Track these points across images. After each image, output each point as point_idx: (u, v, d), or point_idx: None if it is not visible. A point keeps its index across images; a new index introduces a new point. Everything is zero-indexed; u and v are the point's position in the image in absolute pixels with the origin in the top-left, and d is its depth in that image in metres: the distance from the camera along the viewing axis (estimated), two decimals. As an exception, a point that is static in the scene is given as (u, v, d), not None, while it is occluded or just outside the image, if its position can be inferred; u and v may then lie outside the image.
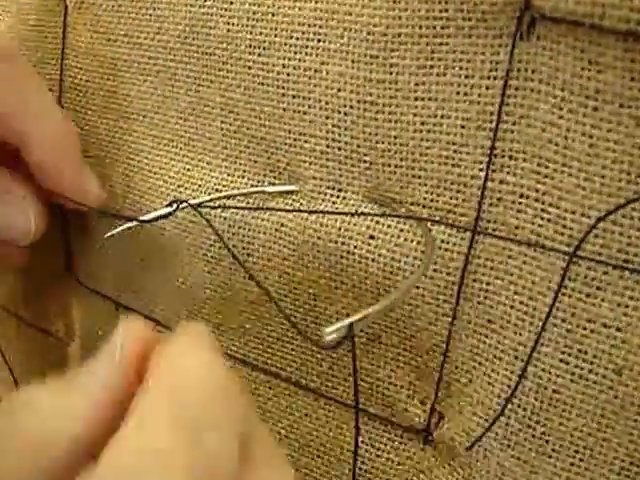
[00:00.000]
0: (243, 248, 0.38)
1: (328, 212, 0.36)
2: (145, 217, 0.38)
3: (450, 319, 0.34)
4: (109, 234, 0.39)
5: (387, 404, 0.38)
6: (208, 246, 0.40)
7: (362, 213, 0.35)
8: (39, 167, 0.39)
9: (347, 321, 0.27)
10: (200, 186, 0.40)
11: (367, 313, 0.28)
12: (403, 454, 0.38)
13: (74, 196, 0.41)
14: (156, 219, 0.38)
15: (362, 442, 0.39)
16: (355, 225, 0.35)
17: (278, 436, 0.41)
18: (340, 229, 0.35)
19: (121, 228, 0.39)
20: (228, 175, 0.39)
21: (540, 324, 0.32)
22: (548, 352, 0.32)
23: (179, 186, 0.40)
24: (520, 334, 0.33)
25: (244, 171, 0.39)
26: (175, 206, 0.37)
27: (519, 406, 0.33)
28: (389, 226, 0.35)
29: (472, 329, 0.34)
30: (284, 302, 0.38)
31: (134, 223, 0.38)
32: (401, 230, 0.34)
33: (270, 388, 0.41)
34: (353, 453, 0.39)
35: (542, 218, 0.31)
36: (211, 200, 0.38)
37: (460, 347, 0.35)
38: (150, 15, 0.39)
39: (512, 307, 0.33)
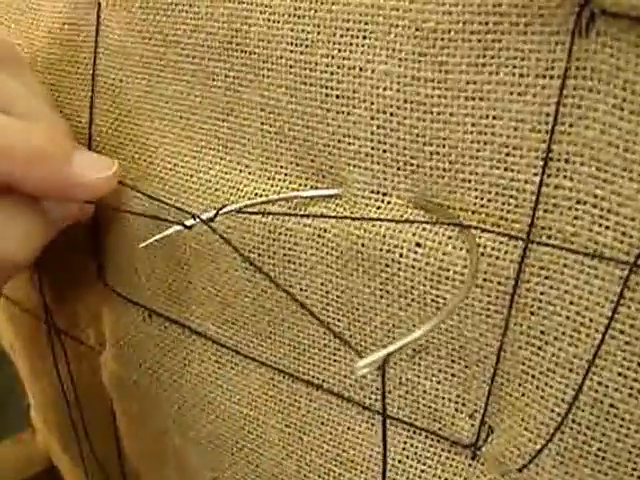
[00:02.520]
0: (284, 255, 0.38)
1: (370, 219, 0.35)
2: (188, 222, 0.37)
3: (502, 330, 0.33)
4: (156, 238, 0.38)
5: (434, 417, 0.37)
6: (247, 252, 0.39)
7: (406, 220, 0.34)
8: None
9: (383, 353, 0.26)
10: (239, 190, 0.39)
11: (405, 343, 0.27)
12: (450, 469, 0.37)
13: (76, 196, 0.40)
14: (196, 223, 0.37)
15: (407, 457, 0.38)
16: (401, 232, 0.34)
17: (320, 450, 0.41)
18: (385, 236, 0.34)
19: (168, 232, 0.38)
20: (268, 179, 0.38)
21: (597, 336, 0.31)
22: (605, 365, 0.31)
23: (216, 190, 0.40)
24: (576, 346, 0.32)
25: (285, 174, 0.38)
26: (215, 212, 0.36)
27: (574, 421, 0.32)
28: (436, 233, 0.34)
29: (525, 341, 0.33)
30: (327, 311, 0.38)
31: (179, 228, 0.37)
32: (449, 237, 0.33)
33: (311, 400, 0.40)
34: (382, 468, 0.38)
35: (600, 225, 0.30)
36: (251, 205, 0.37)
37: (512, 359, 0.34)
38: (187, 12, 0.39)
39: (567, 318, 0.32)
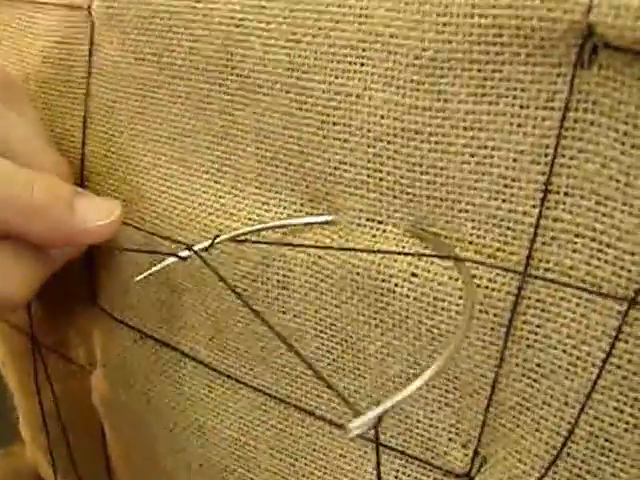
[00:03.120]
0: (278, 281, 0.37)
1: (363, 250, 0.34)
2: (182, 254, 0.36)
3: (497, 362, 0.32)
4: (150, 272, 0.38)
5: (427, 446, 0.36)
6: (241, 277, 0.38)
7: (400, 252, 0.33)
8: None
9: (376, 412, 0.25)
10: (232, 214, 0.38)
11: (398, 400, 0.26)
12: (442, 498, 0.36)
13: (78, 243, 0.40)
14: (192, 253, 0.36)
15: (400, 485, 0.37)
16: (396, 262, 0.33)
17: (311, 476, 0.40)
18: (380, 265, 0.34)
19: (162, 265, 0.37)
20: (263, 204, 0.38)
21: (593, 370, 0.30)
22: (601, 400, 0.30)
23: (210, 214, 0.39)
24: (572, 380, 0.31)
25: (280, 200, 0.37)
26: (210, 241, 0.35)
27: (569, 454, 0.32)
28: (432, 263, 0.33)
29: (520, 373, 0.32)
30: (321, 338, 0.37)
31: (173, 259, 0.37)
32: (445, 268, 0.32)
33: (303, 426, 0.39)
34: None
35: (599, 259, 0.29)
36: (246, 234, 0.36)
37: (507, 391, 0.33)
38: (182, 34, 0.38)
39: (564, 351, 0.31)
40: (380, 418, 0.25)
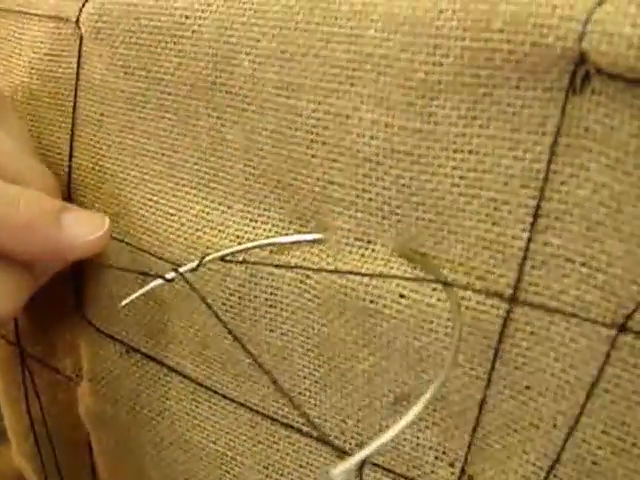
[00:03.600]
0: (265, 299, 0.36)
1: (351, 272, 0.34)
2: (168, 276, 0.36)
3: (484, 383, 0.32)
4: (136, 294, 0.37)
5: (414, 464, 0.36)
6: (228, 295, 0.37)
7: (386, 275, 0.33)
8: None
9: (357, 458, 0.25)
10: (220, 231, 0.38)
11: (381, 443, 0.26)
12: (429, 517, 0.36)
13: (68, 258, 0.39)
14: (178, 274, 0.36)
15: (387, 503, 0.37)
16: (384, 282, 0.33)
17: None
18: (369, 286, 0.33)
19: (145, 289, 0.37)
20: (251, 220, 0.37)
21: (581, 393, 0.30)
22: (589, 423, 0.30)
23: (197, 230, 0.38)
24: (559, 403, 0.30)
25: (268, 217, 0.37)
26: (197, 262, 0.35)
27: (556, 476, 0.31)
28: (421, 285, 0.32)
29: (508, 394, 0.32)
30: (308, 357, 0.36)
31: (159, 282, 0.36)
32: (434, 289, 0.32)
33: (290, 443, 0.39)
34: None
35: (588, 284, 0.29)
36: (233, 253, 0.36)
37: (494, 411, 0.32)
38: (171, 50, 0.37)
39: (552, 374, 0.30)
40: (364, 462, 0.25)
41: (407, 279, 0.32)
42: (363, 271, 0.33)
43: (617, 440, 0.29)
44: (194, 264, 0.36)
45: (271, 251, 0.36)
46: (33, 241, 0.36)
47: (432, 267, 0.32)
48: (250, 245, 0.36)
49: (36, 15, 0.44)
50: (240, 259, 0.37)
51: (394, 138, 0.31)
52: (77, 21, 0.41)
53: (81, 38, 0.41)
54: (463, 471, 0.34)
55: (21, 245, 0.36)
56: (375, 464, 0.36)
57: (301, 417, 0.37)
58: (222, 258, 0.36)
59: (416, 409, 0.27)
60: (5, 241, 0.35)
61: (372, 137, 0.32)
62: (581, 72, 0.27)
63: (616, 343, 0.28)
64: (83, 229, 0.38)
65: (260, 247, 0.36)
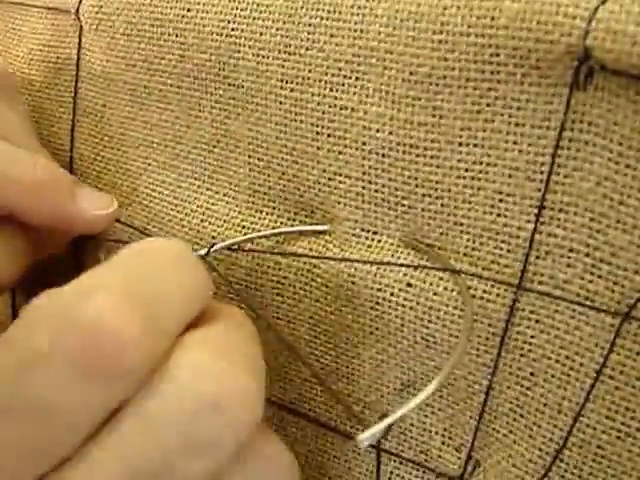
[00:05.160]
0: (272, 288, 0.37)
1: (359, 260, 0.35)
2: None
3: (490, 369, 0.33)
4: None
5: (421, 449, 0.37)
6: (235, 284, 0.38)
7: (393, 264, 0.34)
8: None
9: (382, 425, 0.26)
10: (225, 222, 0.39)
11: (405, 411, 0.27)
12: (435, 501, 0.37)
13: (75, 230, 0.40)
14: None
15: (394, 487, 0.38)
16: (392, 272, 0.34)
17: (306, 477, 0.40)
18: (376, 275, 0.34)
19: None
20: (256, 211, 0.38)
21: (586, 379, 0.31)
22: (594, 408, 0.31)
23: (202, 220, 0.39)
24: (564, 389, 0.32)
25: (273, 208, 0.38)
26: (207, 249, 0.36)
27: (562, 461, 0.33)
28: (427, 274, 0.34)
29: (514, 381, 0.33)
30: (314, 344, 0.37)
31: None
32: (440, 278, 0.33)
33: (297, 429, 0.40)
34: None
35: (592, 274, 0.30)
36: (242, 242, 0.37)
37: (500, 398, 0.34)
38: (173, 42, 0.38)
39: (557, 361, 0.32)
40: (388, 429, 0.26)
41: (418, 267, 0.33)
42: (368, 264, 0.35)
43: (621, 425, 0.31)
44: (204, 250, 0.36)
45: (277, 241, 0.37)
46: (45, 204, 0.37)
47: (438, 257, 0.33)
48: (257, 235, 0.37)
49: (36, 7, 0.44)
50: (246, 248, 0.38)
51: (400, 131, 0.33)
52: (77, 12, 0.42)
53: (81, 29, 0.42)
54: (470, 456, 0.35)
55: (33, 206, 0.37)
56: (382, 449, 0.38)
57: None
58: (231, 246, 0.37)
59: (437, 381, 0.29)
60: (18, 200, 0.36)
61: (378, 130, 0.33)
62: (585, 68, 0.28)
63: (620, 331, 0.30)
64: (93, 203, 0.39)
65: (266, 237, 0.37)
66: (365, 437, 0.26)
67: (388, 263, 0.34)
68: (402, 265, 0.34)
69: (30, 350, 0.26)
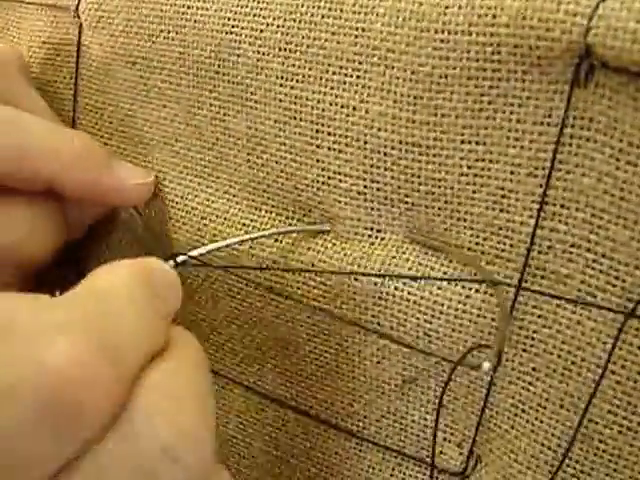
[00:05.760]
0: (271, 286, 0.38)
1: (357, 273, 0.35)
2: (178, 259, 0.37)
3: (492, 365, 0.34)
4: None
5: (422, 445, 0.37)
6: (234, 282, 0.39)
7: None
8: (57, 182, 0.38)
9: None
10: (225, 219, 0.39)
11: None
12: (437, 496, 0.38)
13: (114, 201, 0.40)
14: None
15: (396, 483, 0.38)
16: (397, 267, 0.35)
17: (306, 473, 0.41)
18: (380, 271, 0.35)
19: None
20: (255, 209, 0.39)
21: (588, 374, 0.32)
22: (595, 403, 0.32)
23: (202, 218, 0.40)
24: (567, 384, 0.32)
25: (272, 206, 0.38)
26: (206, 250, 0.36)
27: (562, 455, 0.33)
28: (432, 269, 0.34)
29: (516, 376, 0.34)
30: (314, 342, 0.38)
31: (170, 264, 0.37)
32: (445, 273, 0.34)
33: (298, 425, 0.41)
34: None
35: (594, 269, 0.31)
36: (241, 242, 0.37)
37: (502, 393, 0.34)
38: (173, 39, 0.38)
39: (559, 356, 0.32)
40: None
41: (454, 280, 0.34)
42: (374, 259, 0.35)
43: (623, 420, 0.31)
44: (204, 249, 0.37)
45: (276, 239, 0.38)
46: (85, 177, 0.38)
47: (450, 250, 0.34)
48: (256, 235, 0.37)
49: (35, 4, 0.45)
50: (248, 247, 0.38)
51: (402, 130, 0.33)
52: (76, 10, 0.42)
53: (80, 27, 0.42)
54: (471, 452, 0.36)
55: (72, 179, 0.37)
56: (383, 446, 0.38)
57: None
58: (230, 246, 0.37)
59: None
60: (58, 172, 0.37)
61: (380, 129, 0.34)
62: (586, 65, 0.29)
63: (623, 326, 0.30)
64: (131, 173, 0.40)
65: (265, 236, 0.38)
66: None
67: (439, 279, 0.34)
68: (450, 280, 0.34)
69: None
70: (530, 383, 0.33)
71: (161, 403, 0.28)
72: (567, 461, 0.33)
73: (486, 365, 0.31)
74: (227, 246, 0.37)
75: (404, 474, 0.38)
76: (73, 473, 0.26)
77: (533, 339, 0.33)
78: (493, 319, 0.33)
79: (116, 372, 0.26)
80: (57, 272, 0.44)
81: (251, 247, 0.38)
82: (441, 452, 0.37)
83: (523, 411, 0.34)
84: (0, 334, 0.26)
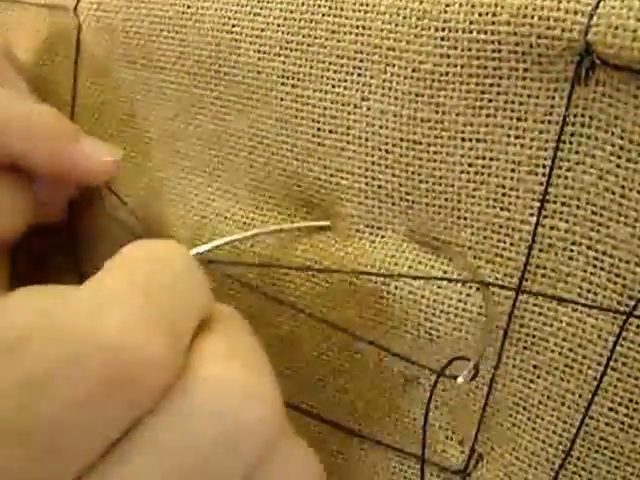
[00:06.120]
0: (273, 284, 0.38)
1: (371, 274, 0.36)
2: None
3: (493, 363, 0.34)
4: None
5: (425, 444, 0.38)
6: (235, 281, 0.39)
7: (400, 275, 0.35)
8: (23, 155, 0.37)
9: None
10: (226, 218, 0.39)
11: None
12: (439, 495, 0.38)
13: (80, 176, 0.39)
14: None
15: (397, 482, 0.39)
16: (397, 265, 0.35)
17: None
18: (381, 269, 0.35)
19: None
20: (256, 208, 0.39)
21: (589, 372, 0.32)
22: (597, 400, 0.32)
23: (203, 217, 0.40)
24: (568, 381, 0.33)
25: (274, 205, 0.38)
26: (209, 247, 0.36)
27: (564, 452, 0.33)
28: (432, 267, 0.34)
29: (517, 374, 0.34)
30: (315, 341, 0.38)
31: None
32: (445, 272, 0.34)
33: (299, 425, 0.41)
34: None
35: (595, 266, 0.31)
36: (242, 239, 0.38)
37: (503, 390, 0.35)
38: (173, 39, 0.39)
39: (560, 354, 0.33)
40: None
41: (441, 279, 0.34)
42: (374, 257, 0.35)
43: (625, 417, 0.32)
44: (207, 246, 0.37)
45: (277, 237, 0.38)
46: (52, 150, 0.37)
47: (449, 250, 0.34)
48: (257, 231, 0.38)
49: (34, 4, 0.45)
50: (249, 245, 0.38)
51: (403, 127, 0.33)
52: (75, 10, 0.42)
53: (79, 27, 0.42)
54: (473, 450, 0.36)
55: (39, 153, 0.37)
56: (385, 444, 0.38)
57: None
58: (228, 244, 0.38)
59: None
60: (24, 147, 0.36)
61: (381, 126, 0.34)
62: (586, 63, 0.29)
63: (624, 324, 0.31)
64: (100, 149, 0.39)
65: (266, 233, 0.38)
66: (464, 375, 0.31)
67: (396, 275, 0.35)
68: (428, 278, 0.35)
69: (43, 368, 0.25)
70: (531, 381, 0.34)
71: (221, 370, 0.28)
72: (568, 458, 0.33)
73: (460, 380, 0.32)
74: (227, 243, 0.37)
75: (406, 472, 0.38)
76: (130, 442, 0.26)
77: (534, 337, 0.33)
78: (493, 317, 0.33)
79: (171, 340, 0.27)
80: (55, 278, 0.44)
81: (252, 245, 0.38)
82: (442, 450, 0.37)
83: (524, 409, 0.34)
84: (58, 309, 0.26)
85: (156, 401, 0.26)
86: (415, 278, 0.35)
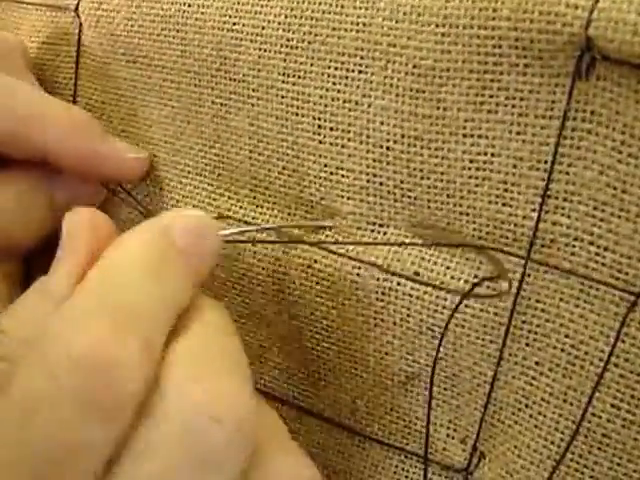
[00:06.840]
0: (273, 283, 0.38)
1: (368, 243, 0.36)
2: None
3: (496, 360, 0.34)
4: None
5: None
6: (241, 275, 0.39)
7: (406, 243, 0.35)
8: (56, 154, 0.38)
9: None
10: (228, 216, 0.40)
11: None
12: (441, 493, 0.38)
13: (109, 172, 0.40)
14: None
15: (399, 481, 0.39)
16: (399, 261, 0.35)
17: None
18: (382, 265, 0.35)
19: None
20: (257, 206, 0.39)
21: (591, 368, 0.32)
22: (599, 397, 0.32)
23: (204, 216, 0.40)
24: (570, 378, 0.33)
25: (274, 203, 0.39)
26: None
27: (566, 450, 0.34)
28: (435, 263, 0.35)
29: (519, 371, 0.34)
30: (316, 339, 0.38)
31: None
32: (447, 267, 0.34)
33: (301, 423, 0.41)
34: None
35: (597, 262, 0.31)
36: (240, 233, 0.38)
37: (505, 388, 0.35)
38: (173, 37, 0.39)
39: (562, 350, 0.33)
40: None
41: (429, 245, 0.35)
42: (376, 254, 0.36)
43: (627, 413, 0.32)
44: (235, 229, 0.37)
45: (277, 236, 0.38)
46: (80, 145, 0.39)
47: (452, 237, 0.34)
48: (258, 227, 0.38)
49: (35, 4, 0.45)
50: (248, 240, 0.38)
51: (404, 124, 0.34)
52: (76, 9, 0.43)
53: (80, 26, 0.43)
54: (475, 448, 0.36)
55: (68, 147, 0.38)
56: (387, 444, 0.39)
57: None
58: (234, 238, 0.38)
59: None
60: (53, 141, 0.38)
61: (382, 123, 0.34)
62: (587, 58, 0.30)
63: (625, 319, 0.31)
64: (126, 148, 0.41)
65: (269, 229, 0.38)
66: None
67: (401, 243, 0.35)
68: (413, 244, 0.35)
69: (30, 396, 0.26)
70: (533, 378, 0.34)
71: (191, 369, 0.28)
72: (570, 455, 0.33)
73: (504, 285, 0.33)
74: (253, 230, 0.38)
75: (407, 471, 0.38)
76: (124, 456, 0.27)
77: (536, 333, 0.33)
78: (496, 313, 0.34)
79: (141, 344, 0.27)
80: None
81: (252, 244, 0.38)
82: (444, 449, 0.37)
83: (526, 406, 0.34)
84: (40, 339, 0.27)
85: (131, 415, 0.27)
86: (415, 281, 0.35)
